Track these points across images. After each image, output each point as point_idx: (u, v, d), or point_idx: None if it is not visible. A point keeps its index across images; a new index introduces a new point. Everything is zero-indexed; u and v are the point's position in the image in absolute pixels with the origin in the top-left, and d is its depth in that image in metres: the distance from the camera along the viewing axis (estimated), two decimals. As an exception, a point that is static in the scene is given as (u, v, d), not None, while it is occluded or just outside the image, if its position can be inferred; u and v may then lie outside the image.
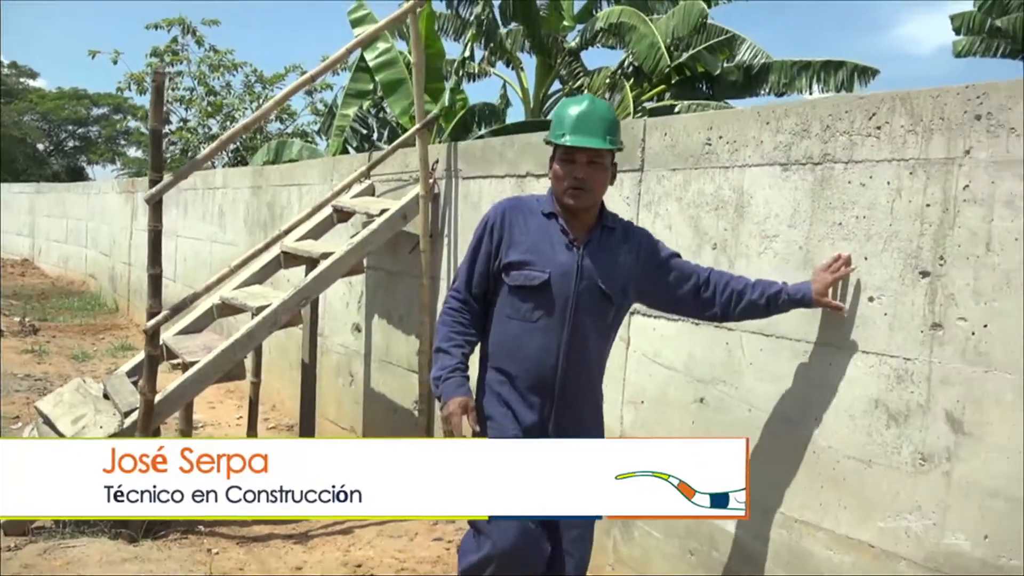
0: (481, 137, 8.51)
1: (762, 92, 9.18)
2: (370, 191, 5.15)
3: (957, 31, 9.56)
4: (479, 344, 2.45)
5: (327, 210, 5.00)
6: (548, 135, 2.39)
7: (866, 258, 2.42)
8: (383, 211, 4.46)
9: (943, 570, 2.21)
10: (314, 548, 3.75)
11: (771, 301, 2.42)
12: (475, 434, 2.29)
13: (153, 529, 3.70)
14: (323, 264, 4.25)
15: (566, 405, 2.34)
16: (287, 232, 4.47)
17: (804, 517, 2.55)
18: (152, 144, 3.59)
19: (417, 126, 4.43)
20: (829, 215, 2.53)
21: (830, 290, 2.41)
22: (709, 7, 8.81)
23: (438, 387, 2.33)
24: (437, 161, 4.54)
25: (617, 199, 3.26)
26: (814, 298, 2.39)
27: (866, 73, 8.69)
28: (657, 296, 2.51)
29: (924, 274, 2.28)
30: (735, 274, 2.52)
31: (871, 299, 2.40)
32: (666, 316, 3.02)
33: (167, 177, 3.72)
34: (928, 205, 2.27)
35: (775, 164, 2.69)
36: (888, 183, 2.37)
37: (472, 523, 2.37)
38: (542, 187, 3.74)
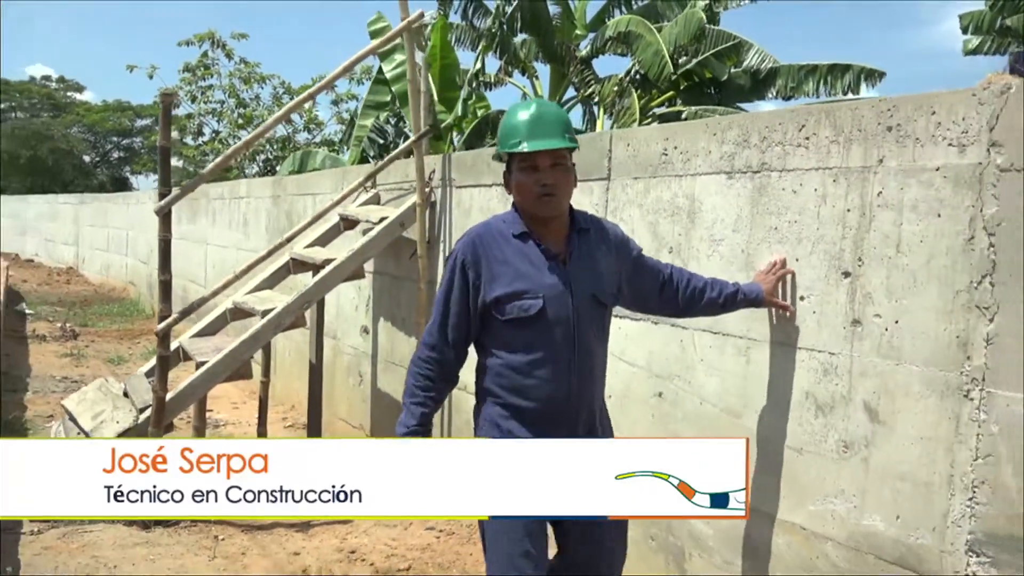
0: (494, 145, 8.73)
1: (769, 96, 9.29)
2: (375, 200, 5.41)
3: (965, 30, 9.54)
4: (475, 379, 2.34)
5: (334, 218, 5.29)
6: (499, 149, 2.28)
7: (797, 260, 2.59)
8: (382, 219, 4.72)
9: (862, 549, 2.38)
10: (313, 536, 4.00)
11: (728, 299, 2.50)
12: None
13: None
14: (324, 270, 4.51)
15: (583, 428, 2.26)
16: (290, 240, 4.74)
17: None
18: (160, 160, 3.89)
19: (413, 139, 4.67)
20: (766, 220, 2.70)
21: (778, 289, 2.57)
22: (714, 14, 8.93)
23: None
24: (434, 171, 4.78)
25: (587, 206, 3.46)
26: (765, 298, 2.52)
27: (872, 75, 8.75)
28: (629, 295, 2.46)
29: (846, 274, 2.45)
30: (690, 271, 2.58)
31: (801, 298, 2.57)
32: (631, 316, 3.21)
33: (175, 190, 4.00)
34: (848, 210, 2.44)
35: (721, 172, 2.87)
36: (815, 190, 2.54)
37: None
38: (524, 195, 3.96)
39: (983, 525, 2.10)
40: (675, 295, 2.46)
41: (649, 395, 3.16)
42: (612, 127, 8.91)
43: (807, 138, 2.58)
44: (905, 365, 2.28)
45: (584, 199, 3.49)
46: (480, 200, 4.32)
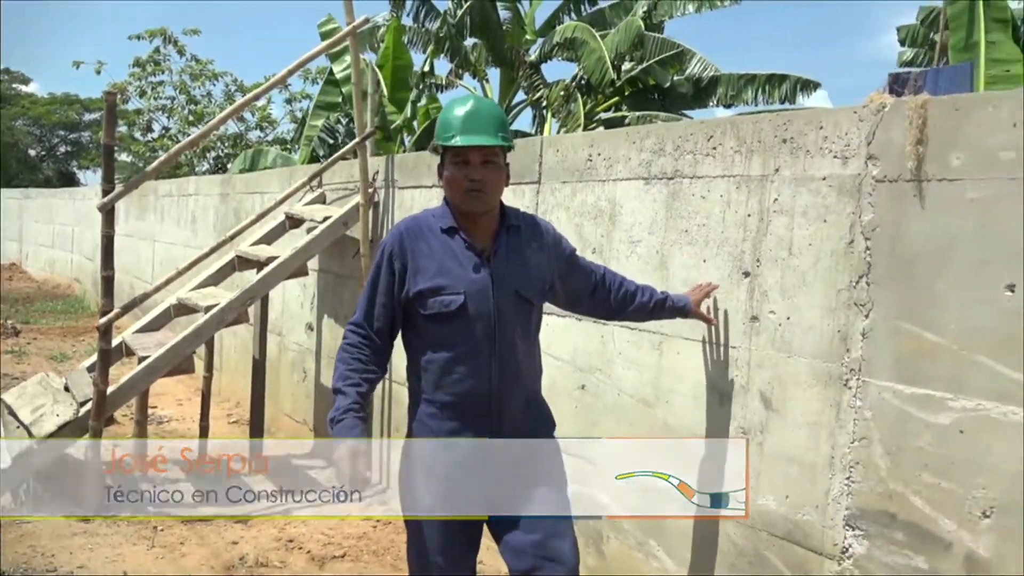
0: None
1: (711, 104, 9.60)
2: (321, 199, 5.51)
3: (902, 43, 9.99)
4: (407, 379, 2.33)
5: (280, 217, 5.38)
6: (434, 140, 2.28)
7: (704, 260, 2.79)
8: (326, 218, 4.83)
9: (757, 527, 2.58)
10: (253, 527, 4.10)
11: (657, 305, 2.52)
12: (363, 478, 2.19)
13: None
14: (268, 267, 4.61)
15: (508, 424, 2.24)
16: (233, 237, 4.82)
17: (658, 487, 2.92)
18: (104, 158, 3.95)
19: (356, 140, 4.79)
20: (679, 223, 2.90)
21: (704, 304, 2.65)
22: (659, 23, 9.20)
23: (331, 428, 2.16)
24: (377, 172, 4.91)
25: (520, 208, 3.63)
26: (692, 309, 2.59)
27: (808, 86, 9.12)
28: (561, 294, 2.45)
29: (746, 274, 2.65)
30: (622, 275, 2.56)
31: (707, 295, 2.77)
32: (558, 312, 3.38)
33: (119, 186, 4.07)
34: (749, 215, 2.65)
35: (639, 178, 3.07)
36: (721, 196, 2.75)
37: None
38: (462, 197, 4.12)
39: (857, 501, 2.31)
40: (607, 297, 2.48)
41: (573, 387, 3.34)
42: (559, 131, 9.14)
43: (715, 148, 2.78)
44: (795, 357, 2.49)
45: (516, 201, 3.65)
46: (421, 201, 4.46)
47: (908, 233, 2.22)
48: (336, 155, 5.19)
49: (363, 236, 4.79)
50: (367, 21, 4.67)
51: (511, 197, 3.75)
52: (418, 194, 4.51)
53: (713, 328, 2.75)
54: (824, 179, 2.43)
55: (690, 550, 2.82)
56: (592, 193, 3.29)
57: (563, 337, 3.40)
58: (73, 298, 12.72)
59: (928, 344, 2.15)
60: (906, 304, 2.21)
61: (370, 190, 4.82)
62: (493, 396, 2.21)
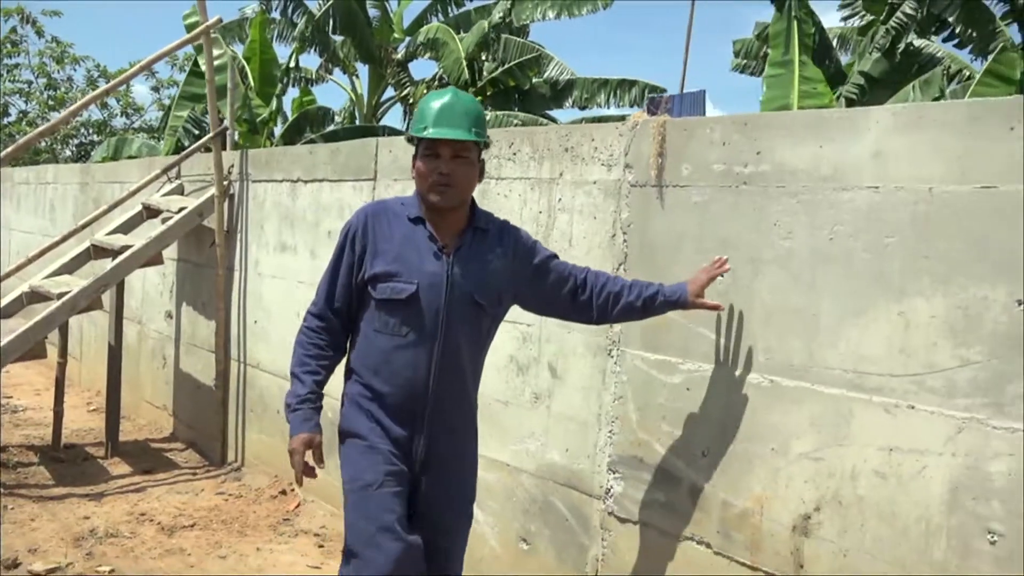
0: (312, 141, 9.07)
1: (567, 105, 10.22)
2: (179, 190, 5.67)
3: (737, 54, 10.94)
4: (345, 357, 2.34)
5: (137, 207, 5.51)
6: (410, 131, 2.26)
7: (507, 251, 3.23)
8: (181, 209, 5.02)
9: (546, 477, 3.05)
10: (105, 503, 4.29)
11: (647, 303, 2.38)
12: (312, 470, 2.21)
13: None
14: (122, 256, 4.77)
15: (438, 420, 2.22)
16: (86, 226, 4.95)
17: (470, 448, 3.35)
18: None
19: (209, 135, 5.00)
20: (488, 218, 3.33)
21: (705, 291, 2.41)
22: (523, 27, 9.71)
23: (288, 417, 2.21)
24: (232, 166, 5.14)
25: (357, 202, 3.98)
26: (690, 300, 2.39)
27: (656, 91, 9.85)
28: (533, 300, 2.42)
29: (538, 262, 3.10)
30: (608, 274, 2.46)
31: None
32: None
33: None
34: (540, 212, 3.10)
35: (457, 178, 3.47)
36: (519, 195, 3.19)
37: (347, 549, 2.23)
38: (310, 192, 4.44)
39: (617, 450, 2.81)
40: (589, 301, 2.38)
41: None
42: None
43: (515, 154, 3.22)
44: (574, 333, 2.97)
45: (355, 197, 4.01)
46: (272, 194, 4.74)
47: (652, 229, 2.72)
48: (190, 148, 5.38)
49: (218, 227, 5.01)
50: (220, 21, 4.88)
51: (349, 192, 4.10)
52: (270, 188, 4.78)
53: (514, 310, 3.19)
54: (595, 183, 2.91)
55: (496, 501, 3.26)
56: (419, 190, 3.68)
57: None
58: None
59: (665, 319, 2.65)
60: (652, 287, 2.70)
61: (225, 183, 5.04)
62: (430, 393, 2.19)
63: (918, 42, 8.25)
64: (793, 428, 2.34)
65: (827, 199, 2.28)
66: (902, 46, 7.50)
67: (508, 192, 3.23)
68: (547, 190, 3.08)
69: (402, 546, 2.13)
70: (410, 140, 2.27)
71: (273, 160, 4.80)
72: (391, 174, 3.85)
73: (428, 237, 2.21)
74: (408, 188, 3.74)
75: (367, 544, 2.14)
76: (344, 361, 2.33)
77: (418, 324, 2.17)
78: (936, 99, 6.97)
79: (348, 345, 2.31)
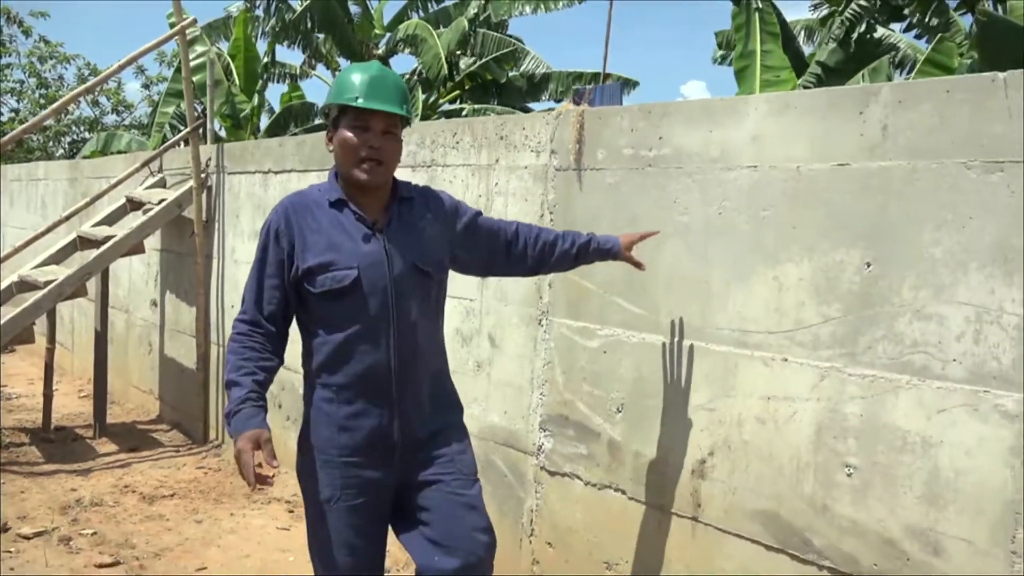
0: (296, 134, 9.33)
1: (543, 98, 10.50)
2: (162, 183, 5.95)
3: (720, 46, 11.20)
4: (301, 363, 2.21)
5: (122, 200, 5.79)
6: (328, 100, 2.13)
7: (452, 232, 3.51)
8: (162, 200, 5.30)
9: (487, 438, 3.34)
10: (91, 477, 4.58)
11: (581, 250, 2.41)
12: (264, 478, 1.96)
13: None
14: (105, 245, 5.05)
15: (409, 402, 2.14)
16: (69, 218, 5.23)
17: (423, 415, 3.63)
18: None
19: (186, 130, 5.27)
20: (435, 203, 3.61)
21: (634, 248, 2.51)
22: (497, 22, 9.98)
23: (229, 424, 2.03)
24: (210, 159, 5.41)
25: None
26: (621, 252, 2.47)
27: (628, 84, 10.13)
28: (470, 260, 2.36)
29: (479, 242, 3.38)
30: (540, 227, 2.45)
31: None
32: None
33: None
34: (480, 196, 3.38)
35: (408, 167, 3.75)
36: (462, 180, 3.47)
37: (312, 560, 2.23)
38: (279, 182, 4.71)
39: (547, 410, 3.09)
40: (523, 253, 2.36)
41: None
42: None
43: (457, 142, 3.50)
44: (510, 305, 3.25)
45: (319, 185, 4.28)
46: (246, 185, 5.01)
47: (573, 208, 2.99)
48: (167, 143, 5.66)
49: (196, 217, 5.29)
50: (194, 22, 5.14)
51: (315, 181, 4.35)
52: (244, 179, 5.06)
53: (459, 286, 3.47)
54: (526, 168, 3.18)
55: (445, 463, 3.54)
56: (376, 178, 3.95)
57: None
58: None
59: (585, 290, 2.93)
60: (574, 261, 2.98)
61: (203, 175, 5.32)
62: (394, 375, 2.10)
63: (880, 31, 8.53)
64: (691, 383, 2.62)
65: (716, 178, 2.56)
66: (856, 36, 7.77)
67: (452, 178, 3.51)
68: (485, 175, 3.36)
69: (356, 559, 2.12)
70: (326, 113, 2.15)
71: (247, 153, 5.07)
72: (351, 164, 4.13)
73: (356, 218, 2.10)
74: (365, 176, 4.02)
75: (326, 557, 2.14)
76: (302, 371, 2.21)
77: (366, 308, 2.06)
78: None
79: (303, 354, 2.18)
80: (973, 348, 2.02)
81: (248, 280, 2.16)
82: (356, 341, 2.07)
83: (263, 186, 4.82)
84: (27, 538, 3.67)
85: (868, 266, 2.21)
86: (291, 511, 4.14)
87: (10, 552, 3.51)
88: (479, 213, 2.35)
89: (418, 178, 3.69)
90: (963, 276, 2.03)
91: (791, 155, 2.38)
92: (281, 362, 2.16)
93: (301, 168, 4.48)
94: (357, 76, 2.08)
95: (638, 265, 2.51)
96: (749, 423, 2.47)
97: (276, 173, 4.72)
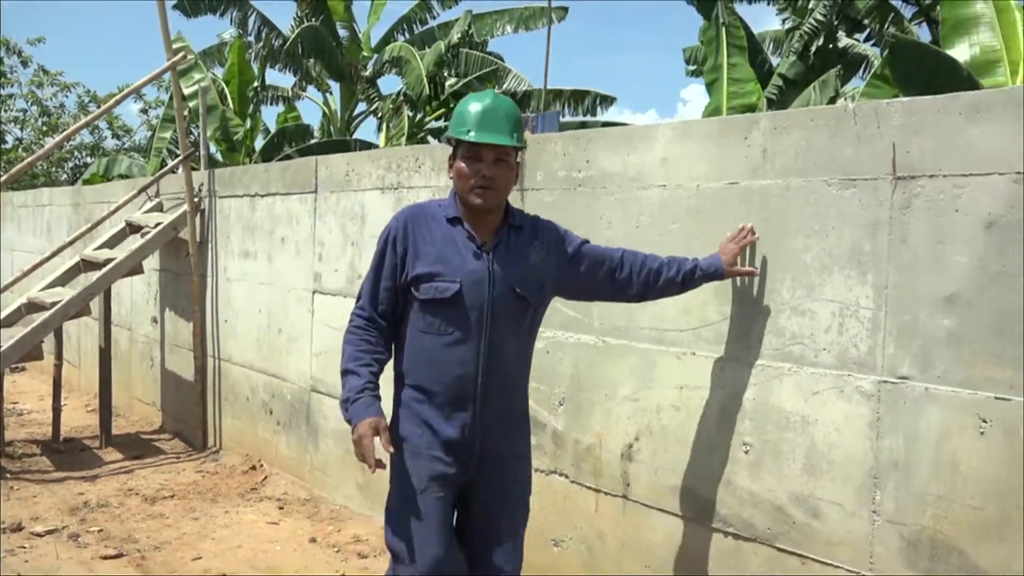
0: (289, 156, 9.73)
1: (526, 114, 10.84)
2: (159, 207, 6.34)
3: (687, 62, 11.58)
4: (392, 361, 2.33)
5: (122, 224, 6.18)
6: (449, 132, 2.29)
7: (417, 248, 3.87)
8: (158, 224, 5.68)
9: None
10: (98, 483, 4.94)
11: (686, 277, 2.47)
12: (382, 462, 2.14)
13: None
14: (105, 267, 5.43)
15: (491, 416, 2.24)
16: (71, 243, 5.61)
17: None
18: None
19: (179, 158, 5.65)
20: (402, 221, 3.97)
21: (738, 258, 2.54)
22: (483, 41, 10.39)
23: (347, 410, 2.17)
24: (202, 184, 5.79)
25: (302, 212, 4.63)
26: (726, 270, 2.51)
27: (606, 100, 10.53)
28: (574, 287, 2.46)
29: (440, 256, 3.74)
30: (644, 252, 2.51)
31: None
32: (330, 293, 4.40)
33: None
34: (440, 215, 3.73)
35: (378, 189, 4.12)
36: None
37: (391, 552, 2.31)
38: (266, 204, 5.09)
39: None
40: (628, 280, 2.44)
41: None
42: (386, 141, 10.19)
43: (420, 166, 3.86)
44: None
45: (300, 207, 4.65)
46: (236, 208, 5.39)
47: (518, 225, 3.34)
48: (161, 172, 6.04)
49: (191, 238, 5.67)
50: (185, 58, 5.53)
51: (296, 203, 4.74)
52: (233, 202, 5.44)
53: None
54: (478, 189, 3.54)
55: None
56: (350, 200, 4.33)
57: (336, 310, 4.43)
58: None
59: (530, 297, 3.28)
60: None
61: (196, 199, 5.70)
62: (479, 389, 2.21)
63: (847, 42, 8.87)
64: (619, 377, 2.97)
65: (634, 196, 2.91)
66: (815, 48, 8.11)
67: (416, 198, 3.87)
68: (443, 194, 3.71)
69: (442, 551, 2.22)
70: (449, 141, 2.31)
71: (235, 178, 5.45)
72: (328, 187, 4.50)
73: (467, 237, 2.24)
74: (343, 199, 4.40)
75: (409, 548, 2.23)
76: (393, 369, 2.33)
77: (463, 322, 2.19)
78: (832, 99, 7.62)
79: (396, 351, 2.33)
80: (838, 338, 2.37)
81: (365, 278, 2.34)
82: (448, 350, 2.21)
83: (251, 208, 5.19)
84: (40, 535, 4.03)
85: (756, 270, 2.56)
86: (281, 508, 4.49)
87: (24, 547, 3.87)
88: (585, 241, 2.45)
89: (386, 199, 4.06)
90: (828, 277, 2.38)
91: (693, 175, 2.73)
92: (390, 356, 2.32)
93: (284, 191, 4.85)
94: (471, 108, 2.22)
95: (749, 273, 2.57)
96: (667, 410, 2.82)
97: (262, 196, 5.09)
